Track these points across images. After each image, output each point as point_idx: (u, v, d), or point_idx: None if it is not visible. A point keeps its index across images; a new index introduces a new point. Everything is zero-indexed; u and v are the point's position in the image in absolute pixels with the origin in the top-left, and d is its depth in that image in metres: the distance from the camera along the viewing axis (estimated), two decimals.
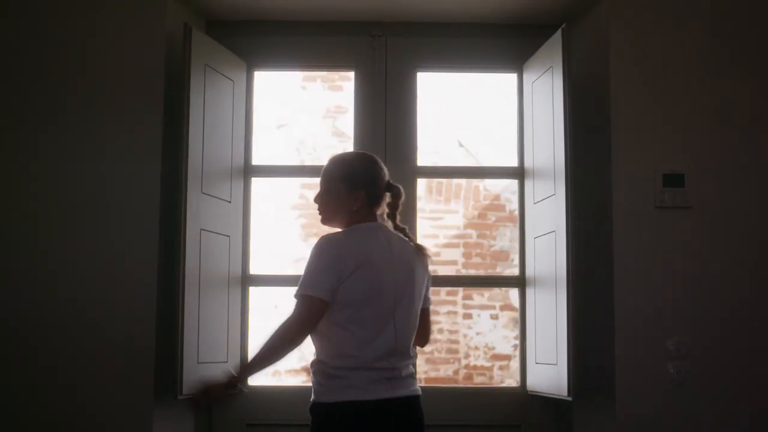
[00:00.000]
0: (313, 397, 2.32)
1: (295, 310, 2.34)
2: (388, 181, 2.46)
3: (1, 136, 2.80)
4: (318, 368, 2.34)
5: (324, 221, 2.49)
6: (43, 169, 2.78)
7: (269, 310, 6.63)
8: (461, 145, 6.65)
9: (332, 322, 2.30)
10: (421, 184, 6.09)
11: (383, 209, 2.46)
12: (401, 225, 2.49)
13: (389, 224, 2.46)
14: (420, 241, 2.56)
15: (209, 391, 2.36)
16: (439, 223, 6.56)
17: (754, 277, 2.74)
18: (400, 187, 2.48)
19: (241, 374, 2.38)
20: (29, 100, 2.80)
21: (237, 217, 3.06)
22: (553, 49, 2.85)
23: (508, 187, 6.54)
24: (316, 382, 2.33)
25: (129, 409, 2.68)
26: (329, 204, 2.43)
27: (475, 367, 6.49)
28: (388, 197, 2.46)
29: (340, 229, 2.43)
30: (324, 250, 2.32)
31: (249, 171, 3.14)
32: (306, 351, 7.37)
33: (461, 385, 5.93)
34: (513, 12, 3.08)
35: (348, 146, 3.33)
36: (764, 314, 2.73)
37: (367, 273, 2.30)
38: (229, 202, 3.00)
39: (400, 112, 3.15)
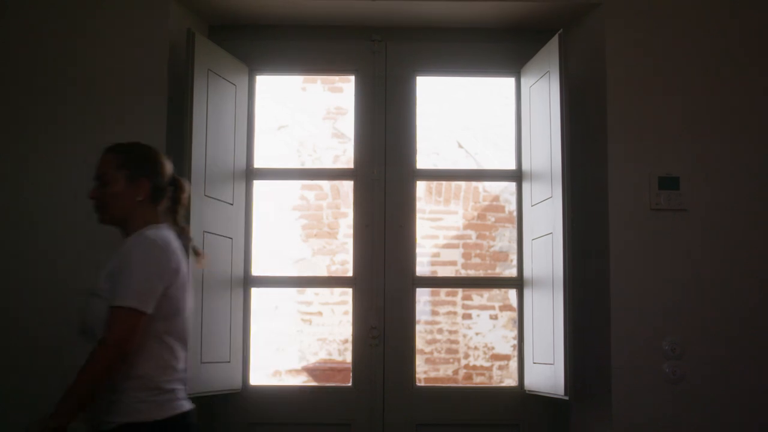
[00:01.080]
0: (127, 418, 2.04)
1: (115, 326, 2.01)
2: (172, 174, 2.27)
3: (4, 140, 2.84)
4: (135, 384, 2.06)
5: (103, 220, 2.22)
6: (46, 172, 2.82)
7: (271, 311, 6.69)
8: (461, 147, 6.69)
9: (148, 335, 2.07)
10: (421, 184, 6.15)
11: (165, 205, 2.24)
12: (182, 223, 2.30)
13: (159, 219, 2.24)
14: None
15: None
16: (438, 224, 6.59)
17: (748, 278, 2.78)
18: (184, 180, 2.31)
19: (59, 419, 1.98)
20: (33, 105, 2.84)
21: (239, 219, 3.10)
22: (550, 53, 2.89)
23: (507, 188, 6.58)
24: (132, 399, 2.05)
25: None
26: (110, 197, 2.18)
27: (474, 367, 6.53)
28: (170, 192, 2.26)
29: (121, 228, 2.20)
30: (151, 254, 2.09)
31: (251, 174, 3.18)
32: (306, 351, 7.35)
33: (460, 385, 5.96)
34: (511, 17, 3.11)
35: (348, 147, 3.36)
36: (759, 314, 2.78)
37: (181, 281, 2.15)
38: (232, 204, 3.04)
39: (400, 115, 3.19)
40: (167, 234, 2.18)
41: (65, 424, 1.99)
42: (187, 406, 2.16)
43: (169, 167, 2.26)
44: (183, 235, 2.27)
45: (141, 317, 2.03)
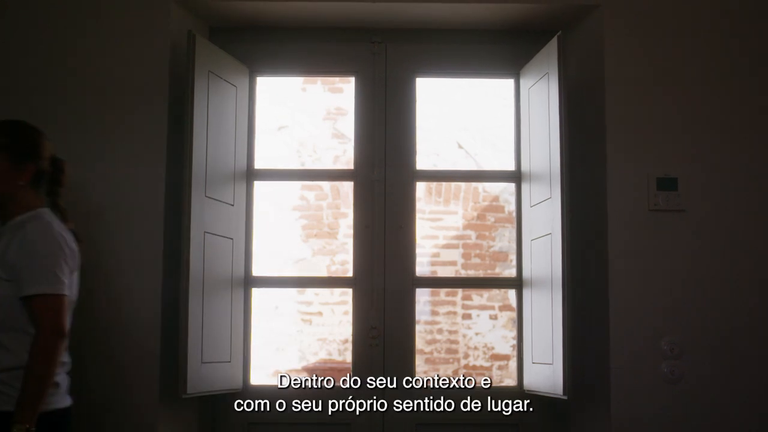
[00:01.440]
0: (7, 407, 1.98)
1: (46, 314, 1.99)
2: (53, 155, 2.23)
3: None
4: (20, 375, 1.99)
5: None
6: None
7: (271, 311, 6.70)
8: (460, 147, 6.70)
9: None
10: (421, 185, 6.16)
11: (45, 187, 2.22)
12: (62, 205, 2.24)
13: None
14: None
15: None
16: (438, 224, 6.60)
17: (746, 279, 2.80)
18: (64, 161, 2.26)
19: (28, 419, 1.96)
20: (35, 106, 2.84)
21: (240, 220, 3.11)
22: (549, 55, 2.90)
23: (506, 188, 6.59)
24: (15, 390, 1.99)
25: (134, 407, 2.73)
26: None
27: (474, 367, 6.54)
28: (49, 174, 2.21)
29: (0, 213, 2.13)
30: (55, 238, 2.06)
31: (251, 175, 3.19)
32: (306, 351, 7.35)
33: (460, 385, 5.96)
34: (510, 19, 3.12)
35: (348, 148, 3.37)
36: (758, 314, 2.79)
37: (75, 268, 2.13)
38: (232, 205, 3.05)
39: (400, 117, 3.20)
40: (55, 219, 2.15)
41: (34, 422, 1.98)
42: (67, 401, 2.11)
43: (49, 148, 2.19)
44: (64, 218, 2.23)
45: (63, 298, 2.02)
